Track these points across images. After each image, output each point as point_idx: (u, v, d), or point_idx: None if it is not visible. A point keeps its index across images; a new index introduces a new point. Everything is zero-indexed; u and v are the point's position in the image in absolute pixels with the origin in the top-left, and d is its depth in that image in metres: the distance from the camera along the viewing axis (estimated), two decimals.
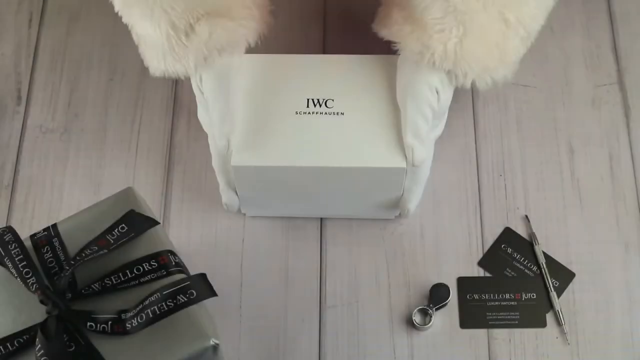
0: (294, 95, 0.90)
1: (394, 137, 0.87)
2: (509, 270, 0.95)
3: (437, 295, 0.92)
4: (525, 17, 0.83)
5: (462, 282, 0.94)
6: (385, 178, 0.88)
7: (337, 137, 0.87)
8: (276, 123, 0.88)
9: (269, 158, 0.87)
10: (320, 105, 0.89)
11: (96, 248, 0.74)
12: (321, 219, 0.98)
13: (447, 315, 0.93)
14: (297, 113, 0.89)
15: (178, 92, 1.05)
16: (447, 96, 0.87)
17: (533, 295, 0.93)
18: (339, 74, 0.91)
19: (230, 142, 0.87)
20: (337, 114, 0.89)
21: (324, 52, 1.06)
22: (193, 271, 0.94)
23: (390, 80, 0.90)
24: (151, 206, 0.98)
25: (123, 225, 0.77)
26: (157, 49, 0.85)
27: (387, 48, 0.88)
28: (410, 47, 0.84)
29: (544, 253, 0.95)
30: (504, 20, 0.82)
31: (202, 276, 0.75)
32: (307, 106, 0.89)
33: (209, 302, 0.84)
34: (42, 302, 0.72)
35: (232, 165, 0.87)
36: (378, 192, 0.91)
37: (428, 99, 0.85)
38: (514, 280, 0.94)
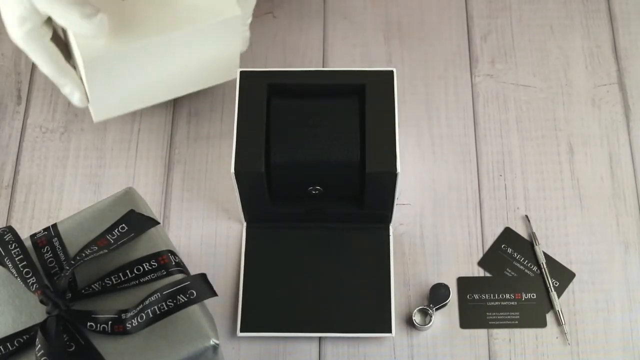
0: None
1: None
2: (509, 270, 0.95)
3: (437, 295, 0.92)
4: None
5: (462, 282, 0.94)
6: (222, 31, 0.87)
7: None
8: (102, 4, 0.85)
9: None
10: None
11: (96, 248, 0.74)
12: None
13: (447, 315, 0.93)
14: None
15: None
16: None
17: (533, 295, 0.93)
18: None
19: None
20: None
21: None
22: (193, 271, 0.94)
23: None
24: (151, 206, 0.98)
25: (123, 225, 0.77)
26: None
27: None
28: None
29: (544, 253, 0.95)
30: None
31: (202, 276, 0.75)
32: None
33: (209, 302, 0.84)
34: (42, 302, 0.72)
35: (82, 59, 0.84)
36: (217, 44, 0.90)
37: None
38: (514, 280, 0.94)
